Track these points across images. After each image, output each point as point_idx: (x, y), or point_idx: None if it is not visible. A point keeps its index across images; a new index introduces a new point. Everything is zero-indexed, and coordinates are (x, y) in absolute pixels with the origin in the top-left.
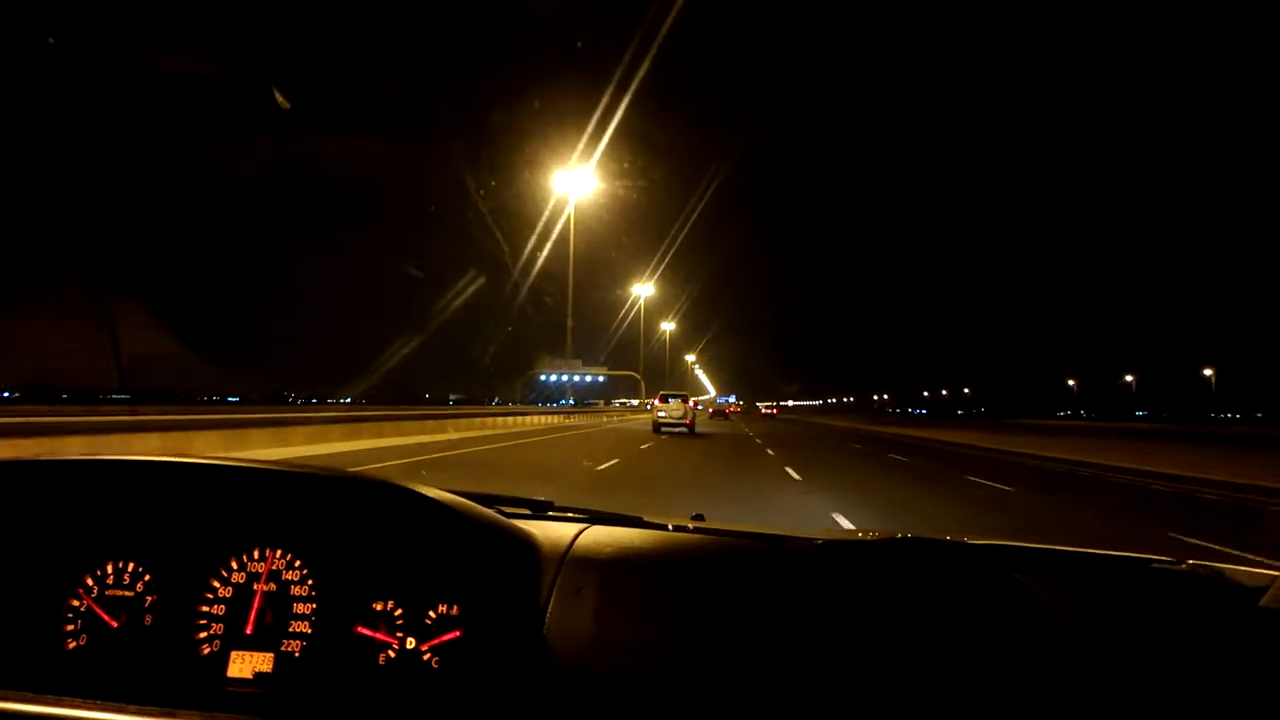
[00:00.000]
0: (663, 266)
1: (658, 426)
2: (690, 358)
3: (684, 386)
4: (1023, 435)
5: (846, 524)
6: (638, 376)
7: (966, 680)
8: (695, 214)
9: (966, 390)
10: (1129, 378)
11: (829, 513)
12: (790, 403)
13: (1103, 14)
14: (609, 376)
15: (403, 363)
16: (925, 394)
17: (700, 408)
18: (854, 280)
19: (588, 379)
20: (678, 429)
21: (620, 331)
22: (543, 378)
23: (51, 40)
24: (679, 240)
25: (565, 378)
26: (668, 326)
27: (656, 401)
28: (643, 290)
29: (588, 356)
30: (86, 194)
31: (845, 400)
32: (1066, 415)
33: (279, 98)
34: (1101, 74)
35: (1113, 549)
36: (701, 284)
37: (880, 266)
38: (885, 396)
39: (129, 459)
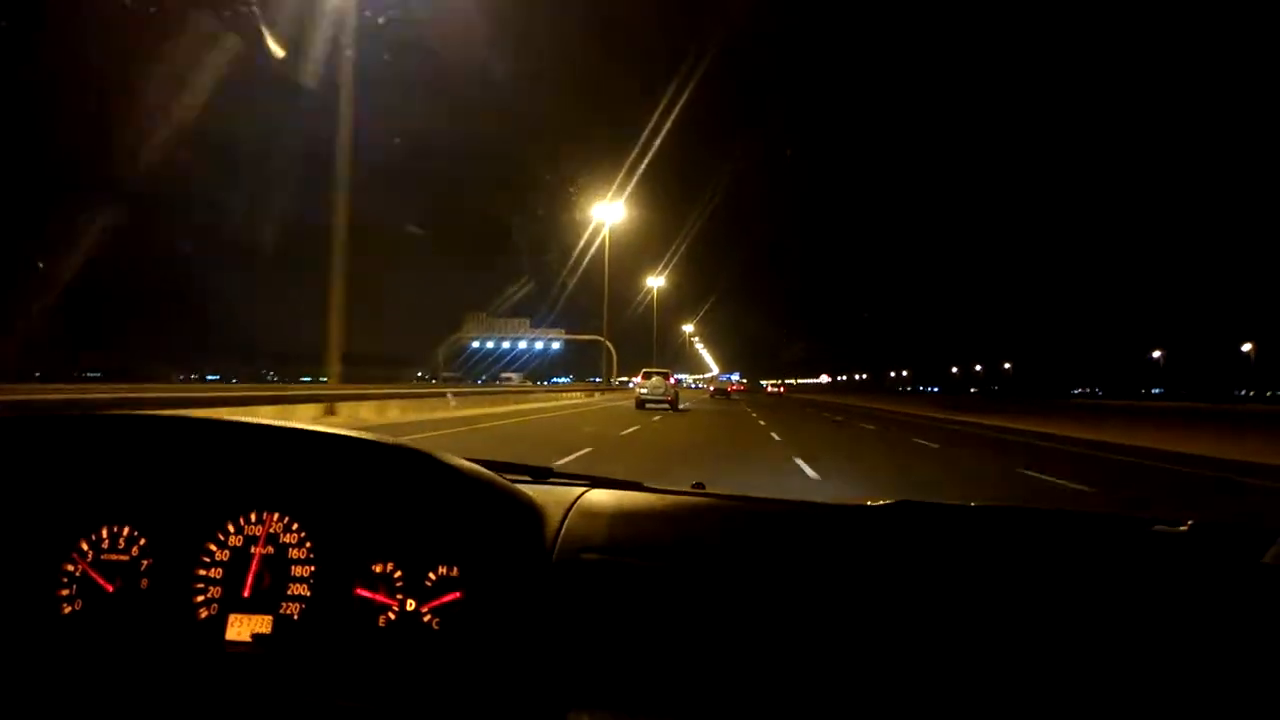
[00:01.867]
0: (639, 187)
1: (641, 403)
2: (688, 328)
3: (681, 362)
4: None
5: None
6: (605, 342)
7: (974, 639)
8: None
9: (1007, 366)
10: (1246, 347)
11: None
12: (799, 380)
13: None
14: (568, 343)
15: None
16: (954, 370)
17: (698, 385)
18: (872, 248)
19: (537, 346)
20: (661, 405)
21: (583, 277)
22: (474, 344)
23: None
24: (664, 162)
25: (506, 344)
26: (655, 283)
27: (639, 379)
28: (607, 213)
29: (540, 318)
30: None
31: (859, 378)
32: (1083, 393)
33: (271, 44)
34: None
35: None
36: (698, 240)
37: (904, 232)
38: (905, 373)
39: (122, 414)
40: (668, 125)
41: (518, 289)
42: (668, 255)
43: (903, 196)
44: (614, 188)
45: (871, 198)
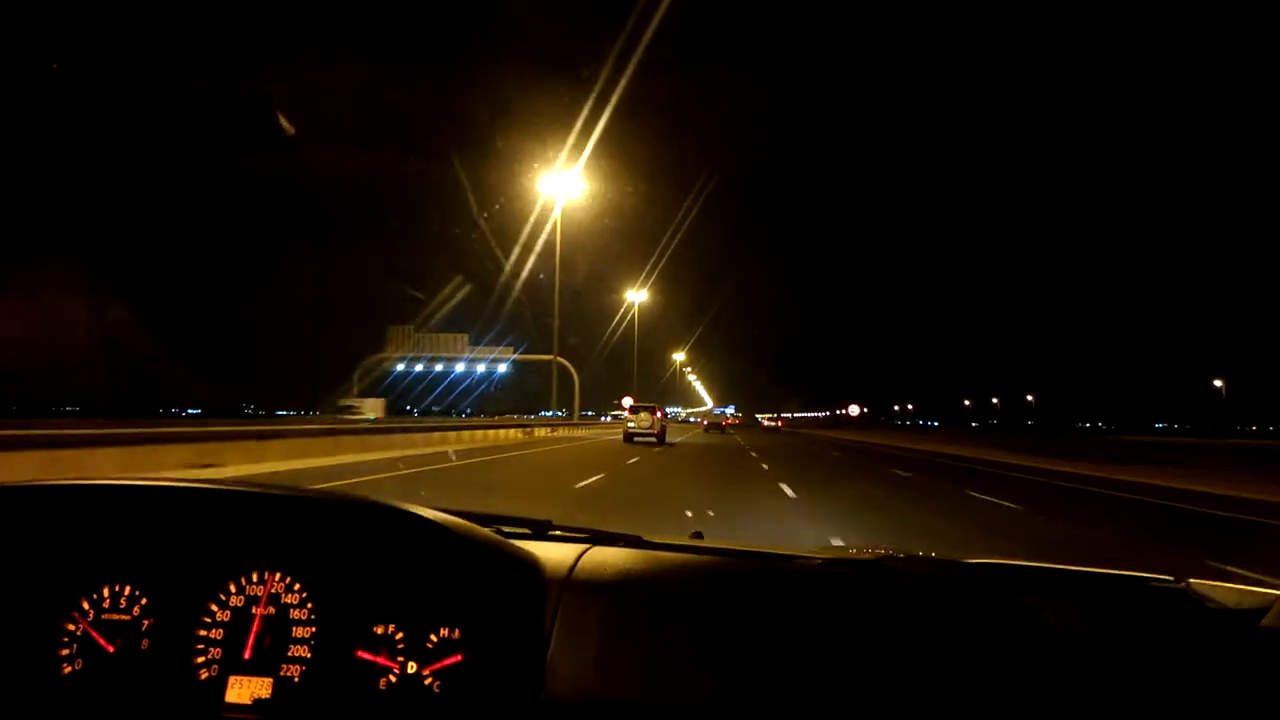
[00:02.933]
0: (615, 192)
1: (629, 436)
2: (679, 356)
3: (673, 395)
4: None
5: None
6: (555, 362)
7: (968, 700)
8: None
9: (1030, 397)
10: None
11: None
12: (794, 415)
13: None
14: (517, 365)
15: None
16: (966, 402)
17: (694, 420)
18: (870, 271)
19: (479, 369)
20: (648, 439)
21: (543, 286)
22: (398, 366)
23: (56, 66)
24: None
25: (439, 366)
26: (637, 297)
27: (627, 413)
28: (560, 184)
29: (478, 336)
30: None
31: (862, 411)
32: (1086, 428)
33: (284, 122)
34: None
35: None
36: (689, 270)
37: (908, 258)
38: (910, 407)
39: (125, 483)
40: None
41: (452, 291)
42: (653, 265)
43: (910, 218)
44: (571, 156)
45: (876, 219)
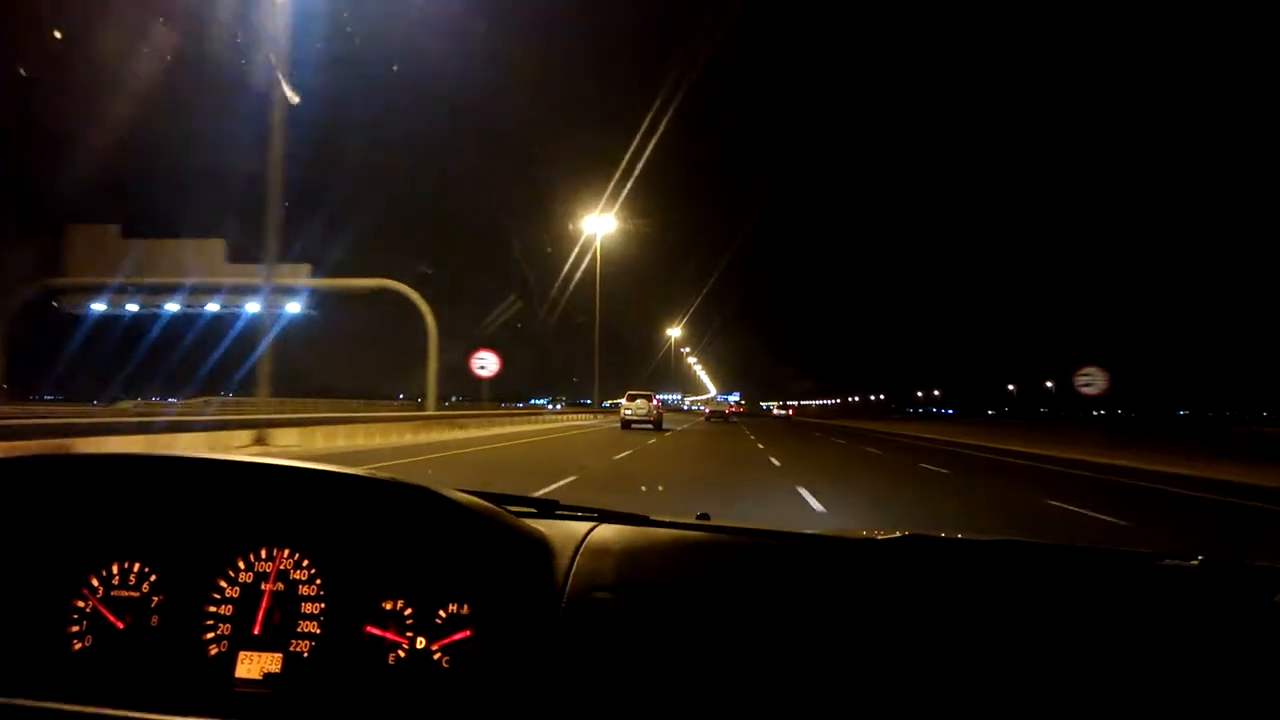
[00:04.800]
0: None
1: (626, 423)
2: (675, 333)
3: (668, 379)
4: None
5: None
6: (405, 291)
7: (978, 677)
8: None
9: (1049, 384)
10: None
11: None
12: (801, 402)
13: None
14: (320, 296)
15: None
16: (1010, 388)
17: (699, 408)
18: (885, 252)
19: (249, 309)
20: (645, 425)
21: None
22: (94, 306)
23: None
24: None
25: (174, 305)
26: (599, 226)
27: (625, 400)
28: None
29: (306, 243)
30: None
31: (876, 398)
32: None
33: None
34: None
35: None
36: (692, 242)
37: (933, 233)
38: (936, 393)
39: (132, 454)
40: None
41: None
42: (614, 189)
43: (930, 193)
44: None
45: (894, 195)
